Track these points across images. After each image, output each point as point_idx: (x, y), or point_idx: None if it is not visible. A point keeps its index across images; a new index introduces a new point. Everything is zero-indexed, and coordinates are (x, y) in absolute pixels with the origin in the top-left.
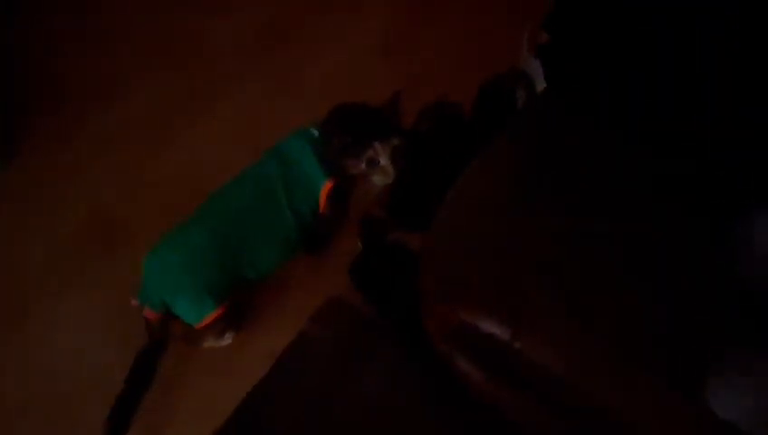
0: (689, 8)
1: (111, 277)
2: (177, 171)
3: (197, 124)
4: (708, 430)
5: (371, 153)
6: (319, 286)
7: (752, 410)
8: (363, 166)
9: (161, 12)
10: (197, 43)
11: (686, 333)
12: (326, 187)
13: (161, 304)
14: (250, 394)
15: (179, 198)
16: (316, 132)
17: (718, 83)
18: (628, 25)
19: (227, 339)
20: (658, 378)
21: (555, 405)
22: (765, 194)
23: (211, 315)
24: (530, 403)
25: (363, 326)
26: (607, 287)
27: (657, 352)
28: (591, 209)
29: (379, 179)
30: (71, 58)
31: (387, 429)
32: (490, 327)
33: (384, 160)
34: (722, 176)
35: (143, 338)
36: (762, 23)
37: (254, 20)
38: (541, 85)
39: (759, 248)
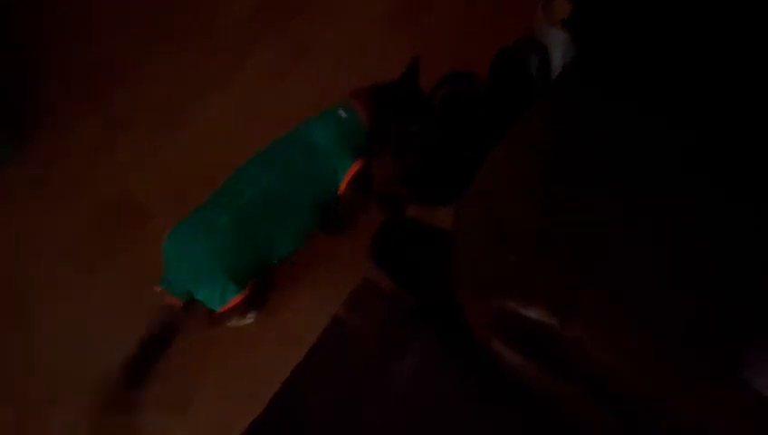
0: None
1: (131, 261)
2: (190, 152)
3: (210, 104)
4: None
5: None
6: (336, 266)
7: None
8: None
9: None
10: (207, 20)
11: (724, 313)
12: (351, 170)
13: (185, 291)
14: (285, 383)
15: (193, 179)
16: (343, 114)
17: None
18: None
19: (250, 318)
20: (700, 364)
21: (604, 396)
22: None
23: (234, 300)
24: (578, 393)
25: (398, 314)
26: (643, 270)
27: (698, 337)
28: (625, 188)
29: None
30: (80, 42)
31: (420, 425)
32: (537, 315)
33: None
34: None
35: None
36: None
37: None
38: (555, 54)
39: None
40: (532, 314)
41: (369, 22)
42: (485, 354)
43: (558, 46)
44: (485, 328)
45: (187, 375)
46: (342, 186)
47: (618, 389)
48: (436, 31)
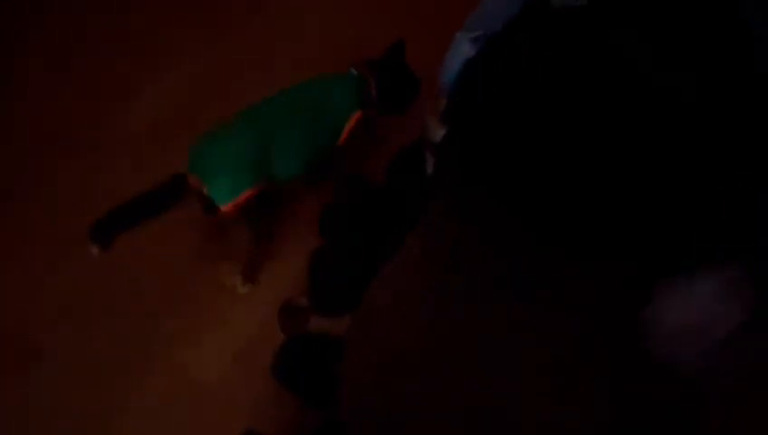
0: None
1: None
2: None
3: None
4: None
5: None
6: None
7: None
8: None
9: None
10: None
11: None
12: (355, 116)
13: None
14: None
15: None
16: (354, 72)
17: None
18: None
19: (245, 288)
20: None
21: None
22: (666, 270)
23: (243, 194)
24: None
25: None
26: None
27: None
28: (503, 315)
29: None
30: None
31: None
32: None
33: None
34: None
35: None
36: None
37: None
38: None
39: (663, 326)
40: None
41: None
42: None
43: None
44: None
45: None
46: (343, 136)
47: None
48: None
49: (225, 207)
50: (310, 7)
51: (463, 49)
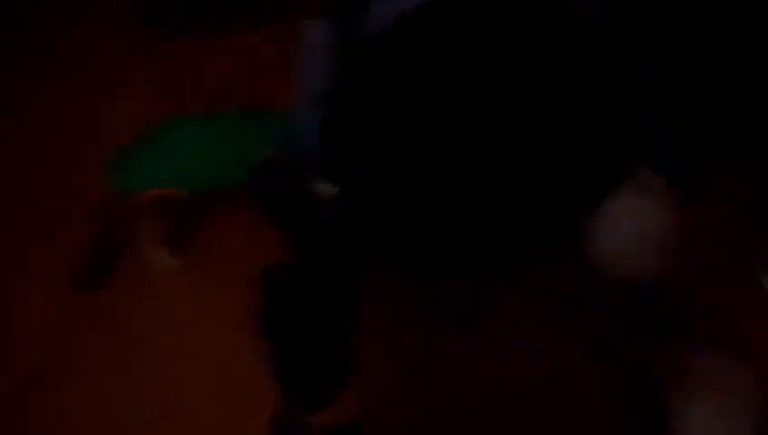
0: None
1: None
2: None
3: None
4: None
5: None
6: None
7: None
8: None
9: None
10: None
11: None
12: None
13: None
14: None
15: None
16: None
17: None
18: None
19: (172, 262)
20: None
21: None
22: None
23: (151, 192)
24: None
25: None
26: None
27: None
28: None
29: None
30: None
31: None
32: None
33: None
34: None
35: None
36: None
37: None
38: None
39: (606, 249)
40: None
41: None
42: None
43: None
44: None
45: None
46: None
47: None
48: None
49: (137, 198)
50: None
51: (313, 116)
